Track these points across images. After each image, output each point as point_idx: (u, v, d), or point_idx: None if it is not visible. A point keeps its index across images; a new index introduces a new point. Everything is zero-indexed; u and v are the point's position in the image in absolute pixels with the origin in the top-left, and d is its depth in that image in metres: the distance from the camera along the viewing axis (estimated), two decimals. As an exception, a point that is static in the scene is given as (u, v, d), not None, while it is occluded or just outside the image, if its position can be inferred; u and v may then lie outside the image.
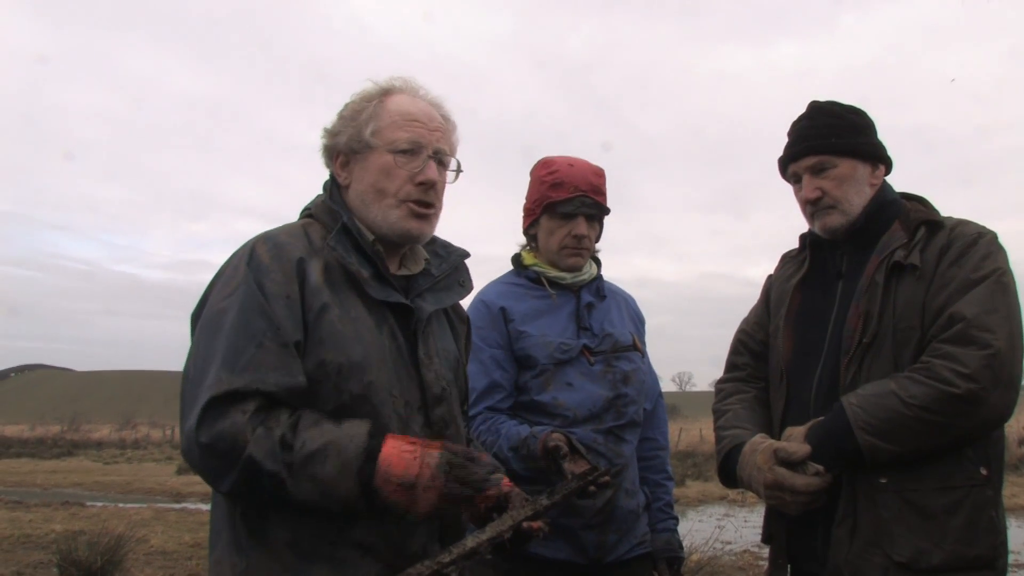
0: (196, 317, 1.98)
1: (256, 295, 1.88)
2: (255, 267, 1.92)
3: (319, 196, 2.20)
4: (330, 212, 2.11)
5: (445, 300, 2.21)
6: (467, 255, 2.29)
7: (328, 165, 2.19)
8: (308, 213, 2.16)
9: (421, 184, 2.09)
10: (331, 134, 2.15)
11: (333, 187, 2.16)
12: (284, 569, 1.86)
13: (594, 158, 3.17)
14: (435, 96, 2.21)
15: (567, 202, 3.04)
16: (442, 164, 2.15)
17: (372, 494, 1.80)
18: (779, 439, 2.43)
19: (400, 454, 1.81)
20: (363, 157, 2.10)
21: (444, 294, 2.21)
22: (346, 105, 2.17)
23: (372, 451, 1.80)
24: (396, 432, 1.93)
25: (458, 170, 2.20)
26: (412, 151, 2.09)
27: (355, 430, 1.83)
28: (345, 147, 2.12)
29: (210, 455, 1.78)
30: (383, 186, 2.08)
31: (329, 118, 2.21)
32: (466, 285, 2.28)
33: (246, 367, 1.81)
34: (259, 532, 1.87)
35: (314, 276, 1.96)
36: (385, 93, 2.15)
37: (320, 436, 1.80)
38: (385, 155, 2.08)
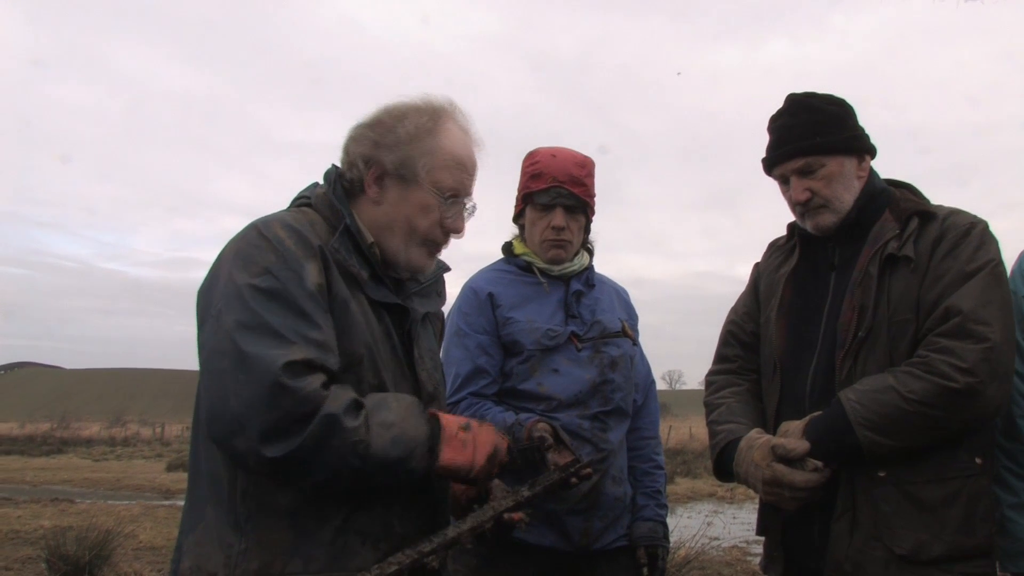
0: (204, 292, 1.91)
1: (293, 279, 1.84)
2: (284, 252, 1.87)
3: (319, 186, 2.14)
4: (331, 208, 2.06)
5: (427, 306, 2.24)
6: (448, 269, 2.31)
7: (355, 168, 2.09)
8: (307, 202, 2.10)
9: (449, 233, 2.13)
10: (374, 143, 2.07)
11: (338, 182, 2.10)
12: (283, 551, 1.83)
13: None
14: (476, 132, 2.17)
15: (543, 193, 3.02)
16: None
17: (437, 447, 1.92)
18: (773, 433, 2.42)
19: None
20: (405, 186, 2.06)
21: (426, 300, 2.24)
22: (396, 116, 2.09)
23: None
24: None
25: (473, 211, 2.18)
26: (452, 197, 2.09)
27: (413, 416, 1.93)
28: (392, 168, 2.05)
29: (283, 415, 1.73)
30: (416, 224, 2.07)
31: (348, 118, 2.14)
32: (442, 295, 2.33)
33: (310, 343, 1.79)
34: (264, 512, 1.84)
35: (333, 268, 1.95)
36: (439, 119, 2.09)
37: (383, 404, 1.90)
38: (429, 195, 2.06)
